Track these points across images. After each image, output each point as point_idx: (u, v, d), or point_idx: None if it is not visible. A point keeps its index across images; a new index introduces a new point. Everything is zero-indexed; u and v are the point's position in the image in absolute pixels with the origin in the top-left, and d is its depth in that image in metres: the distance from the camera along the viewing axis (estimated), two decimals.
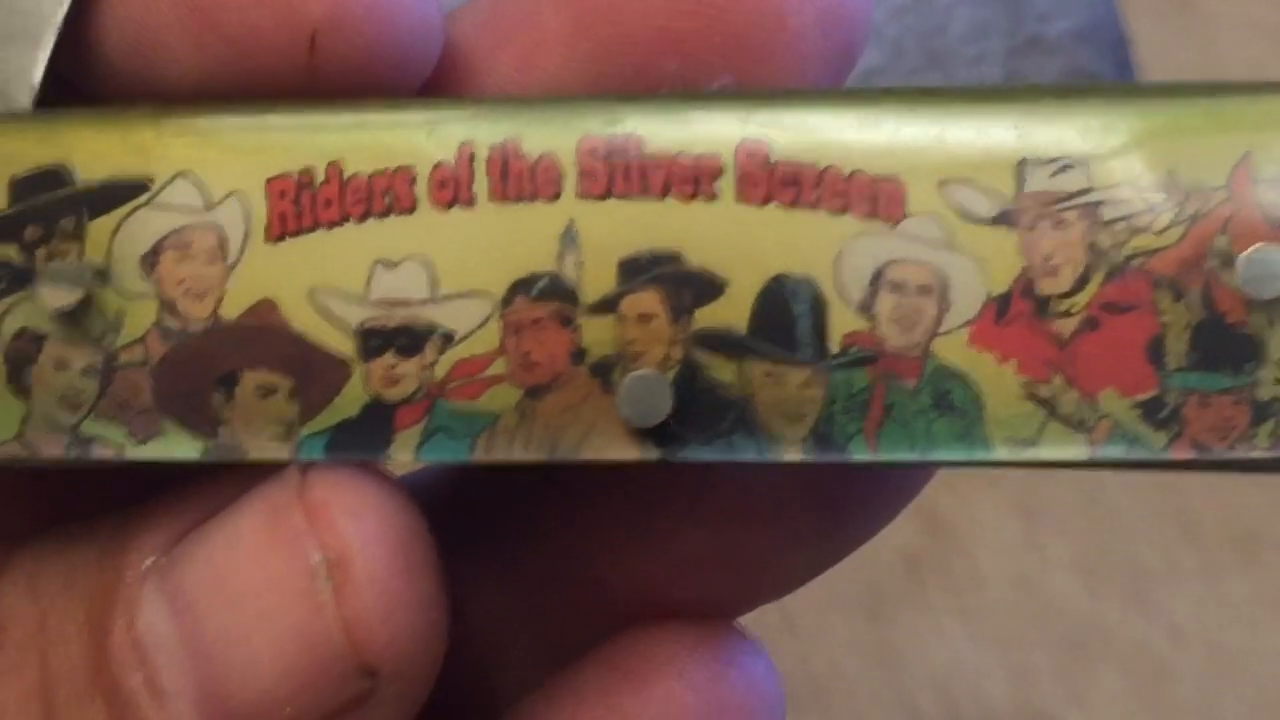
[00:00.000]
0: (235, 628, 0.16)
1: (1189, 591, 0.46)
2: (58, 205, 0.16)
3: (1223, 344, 0.15)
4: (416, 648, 0.16)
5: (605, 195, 0.16)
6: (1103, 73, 0.42)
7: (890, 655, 0.46)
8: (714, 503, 0.18)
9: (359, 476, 0.16)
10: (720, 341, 0.16)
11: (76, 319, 0.16)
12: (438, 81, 0.17)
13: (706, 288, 0.16)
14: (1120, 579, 0.46)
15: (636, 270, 0.16)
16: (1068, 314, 0.15)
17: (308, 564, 0.16)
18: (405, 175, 0.16)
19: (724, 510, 0.18)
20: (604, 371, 0.16)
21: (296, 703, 0.16)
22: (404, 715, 0.17)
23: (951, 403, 0.16)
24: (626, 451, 0.16)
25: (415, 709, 0.17)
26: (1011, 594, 0.46)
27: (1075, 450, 0.15)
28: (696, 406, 0.16)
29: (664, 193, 0.16)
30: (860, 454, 0.16)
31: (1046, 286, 0.15)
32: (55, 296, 0.16)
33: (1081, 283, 0.15)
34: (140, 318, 0.16)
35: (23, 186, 0.16)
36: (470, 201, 0.16)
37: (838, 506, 0.18)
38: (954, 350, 0.16)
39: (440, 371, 0.16)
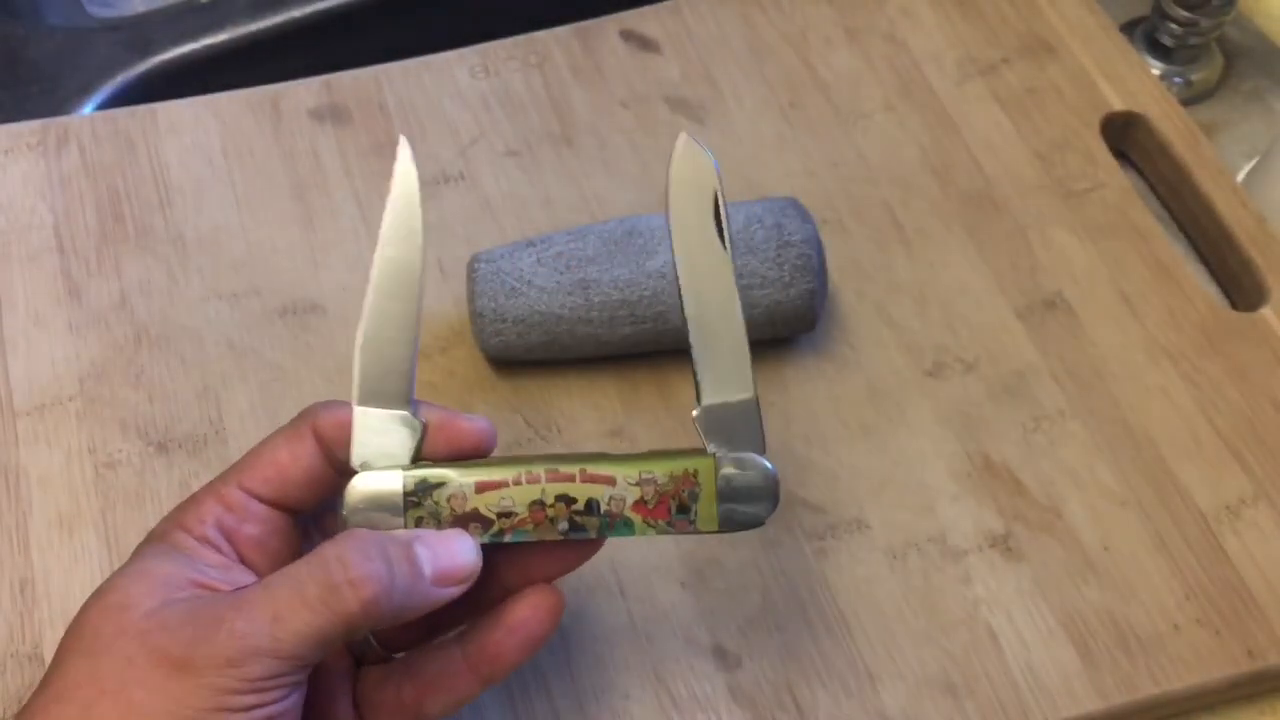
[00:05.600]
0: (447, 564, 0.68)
1: None
2: (422, 491, 0.68)
3: (681, 505, 0.69)
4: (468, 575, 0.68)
5: (552, 481, 0.68)
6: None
7: None
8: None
9: (467, 540, 0.68)
10: (577, 514, 0.68)
11: (424, 511, 0.68)
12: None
13: (573, 501, 0.68)
14: None
15: (560, 498, 0.68)
16: (650, 505, 0.68)
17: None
18: (502, 480, 0.68)
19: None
20: (552, 520, 0.68)
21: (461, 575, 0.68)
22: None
23: (626, 524, 0.68)
24: (556, 536, 0.69)
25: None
26: None
27: (656, 532, 0.69)
28: (573, 527, 0.68)
29: (567, 480, 0.68)
30: (605, 535, 0.69)
31: (645, 500, 0.69)
32: (423, 505, 0.68)
33: (656, 496, 0.69)
34: (445, 512, 0.68)
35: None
36: (520, 484, 0.69)
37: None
38: (630, 513, 0.68)
39: (511, 522, 0.68)
